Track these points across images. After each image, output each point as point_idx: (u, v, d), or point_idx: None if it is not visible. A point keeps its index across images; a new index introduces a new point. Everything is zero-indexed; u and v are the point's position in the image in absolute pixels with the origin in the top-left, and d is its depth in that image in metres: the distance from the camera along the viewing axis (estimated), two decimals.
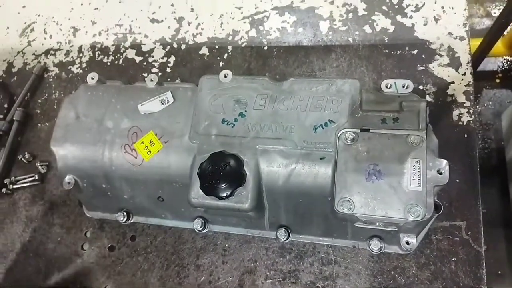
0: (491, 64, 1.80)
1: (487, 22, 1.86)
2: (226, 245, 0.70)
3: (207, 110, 0.64)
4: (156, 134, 0.64)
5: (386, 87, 0.61)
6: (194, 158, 0.61)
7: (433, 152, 0.57)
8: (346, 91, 0.60)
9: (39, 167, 0.83)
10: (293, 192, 0.60)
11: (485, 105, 1.76)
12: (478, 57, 1.15)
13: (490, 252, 1.56)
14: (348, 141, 0.56)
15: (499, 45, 1.63)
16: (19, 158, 0.84)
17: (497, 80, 1.79)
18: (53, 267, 0.75)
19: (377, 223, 0.56)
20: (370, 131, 0.57)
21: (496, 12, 1.87)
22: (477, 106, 1.76)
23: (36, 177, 0.82)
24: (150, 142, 0.64)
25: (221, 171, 0.58)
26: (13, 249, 0.78)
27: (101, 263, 0.74)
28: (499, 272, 1.52)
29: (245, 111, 0.62)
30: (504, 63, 1.80)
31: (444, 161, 0.54)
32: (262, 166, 0.59)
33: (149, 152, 0.64)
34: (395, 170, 0.53)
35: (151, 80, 0.69)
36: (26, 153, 0.84)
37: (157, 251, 0.72)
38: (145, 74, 0.85)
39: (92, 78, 0.72)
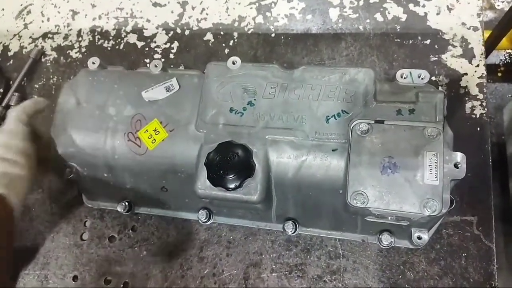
0: (493, 57, 1.78)
1: (491, 15, 1.84)
2: (231, 237, 0.68)
3: (215, 98, 0.61)
4: (161, 122, 0.62)
5: (401, 77, 0.59)
6: (201, 148, 0.59)
7: (448, 145, 0.56)
8: (360, 81, 0.58)
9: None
10: (303, 185, 0.58)
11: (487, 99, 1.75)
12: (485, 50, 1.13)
13: None
14: (362, 133, 0.54)
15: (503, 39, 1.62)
16: None
17: (499, 74, 1.77)
18: (51, 257, 0.73)
19: (389, 217, 0.55)
20: (385, 122, 0.55)
21: (500, 4, 1.85)
22: None
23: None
24: (155, 130, 0.62)
25: (230, 162, 0.56)
26: (14, 239, 0.76)
27: (101, 254, 0.72)
28: (496, 266, 1.53)
29: (254, 99, 0.60)
30: (507, 57, 1.79)
31: (461, 154, 0.52)
32: (271, 157, 0.57)
33: (153, 141, 0.61)
34: (411, 163, 0.51)
35: (156, 66, 0.66)
36: None
37: (159, 242, 0.70)
38: (147, 60, 0.82)
39: (93, 63, 0.69)
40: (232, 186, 0.55)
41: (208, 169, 0.56)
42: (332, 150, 0.56)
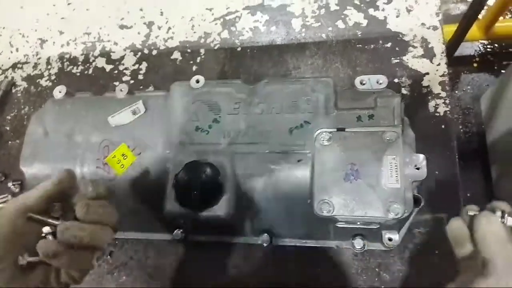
0: (467, 49, 1.81)
1: (462, 7, 1.87)
2: (210, 253, 0.69)
3: (180, 118, 0.62)
4: (128, 146, 0.62)
5: (361, 83, 0.60)
6: (169, 169, 0.59)
7: (410, 147, 0.57)
8: (320, 91, 0.59)
9: (12, 186, 0.80)
10: (273, 197, 0.58)
11: (464, 90, 1.78)
12: (454, 43, 1.15)
13: None
14: (324, 142, 0.55)
15: (474, 30, 1.64)
16: None
17: (475, 65, 1.80)
18: None
19: (358, 223, 0.56)
20: (346, 129, 0.56)
21: None
22: (456, 92, 1.77)
23: (10, 197, 0.79)
24: (123, 155, 0.62)
25: (197, 181, 0.56)
26: None
27: None
28: None
29: (219, 116, 0.61)
30: (481, 47, 1.82)
31: (421, 156, 0.53)
32: (239, 172, 0.58)
33: (122, 166, 0.61)
34: (372, 169, 0.52)
35: (121, 90, 0.67)
36: None
37: (138, 266, 0.70)
38: (117, 83, 0.82)
39: (60, 92, 0.70)
40: (201, 205, 0.56)
41: (176, 190, 0.57)
42: (298, 161, 0.57)
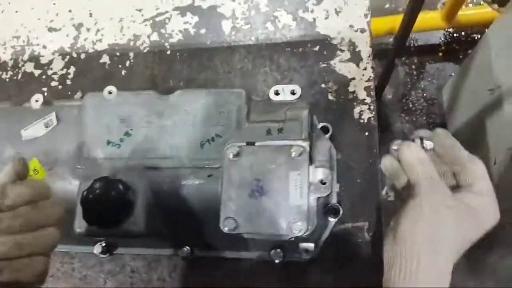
0: (432, 37, 1.80)
1: None
2: (134, 266, 0.68)
3: (92, 131, 0.60)
4: (40, 161, 0.60)
5: (275, 93, 0.59)
6: (80, 185, 0.58)
7: (322, 158, 0.56)
8: (232, 102, 0.58)
9: None
10: (187, 211, 0.58)
11: (429, 80, 1.77)
12: (402, 33, 1.13)
13: None
14: (234, 156, 0.54)
15: (437, 19, 1.63)
16: None
17: (440, 54, 1.79)
18: None
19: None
20: (256, 144, 0.54)
21: None
22: (421, 82, 1.77)
23: None
24: (34, 170, 0.60)
25: (105, 199, 0.55)
26: None
27: None
28: None
29: (131, 129, 0.59)
30: (447, 36, 1.81)
31: (327, 171, 0.53)
32: (151, 188, 0.57)
33: None
34: (277, 185, 0.51)
35: (36, 101, 0.65)
36: None
37: (65, 277, 0.70)
38: (45, 89, 0.79)
39: None
40: (110, 223, 0.54)
41: (83, 208, 0.55)
42: (208, 176, 0.56)
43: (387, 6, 1.90)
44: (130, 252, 0.67)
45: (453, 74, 1.74)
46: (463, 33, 1.82)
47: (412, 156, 0.43)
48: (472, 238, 0.42)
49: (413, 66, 1.82)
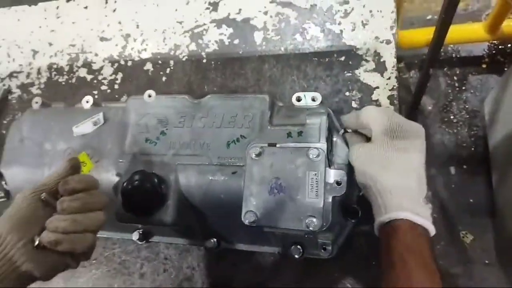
0: (476, 49, 1.75)
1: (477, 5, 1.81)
2: (167, 254, 0.74)
3: (133, 130, 0.67)
4: (88, 154, 0.68)
5: (297, 100, 0.63)
6: (121, 177, 0.65)
7: (341, 162, 0.59)
8: (257, 107, 0.62)
9: (4, 184, 0.88)
10: (213, 206, 0.63)
11: (472, 91, 1.72)
12: (434, 44, 1.12)
13: (477, 242, 1.54)
14: (255, 156, 0.59)
15: (480, 30, 1.59)
16: None
17: (484, 66, 1.74)
18: None
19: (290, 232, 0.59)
20: (277, 145, 0.59)
21: None
22: (463, 93, 1.72)
23: (2, 194, 0.88)
24: (83, 162, 0.68)
25: (141, 190, 0.61)
26: None
27: None
28: (486, 261, 1.51)
29: (166, 129, 0.66)
30: (491, 47, 1.75)
31: (342, 173, 0.56)
32: (181, 182, 0.63)
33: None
34: (295, 183, 0.55)
35: (87, 102, 0.73)
36: None
37: (106, 261, 0.77)
38: (95, 92, 0.89)
39: (36, 102, 0.77)
40: (143, 212, 0.61)
41: (122, 197, 0.62)
42: (232, 173, 0.61)
43: (429, 17, 1.88)
44: (163, 241, 0.73)
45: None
46: (509, 45, 1.76)
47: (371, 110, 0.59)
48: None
49: (455, 78, 1.77)
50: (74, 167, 0.54)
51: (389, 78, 0.72)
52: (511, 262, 1.40)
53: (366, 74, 0.73)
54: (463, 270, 1.55)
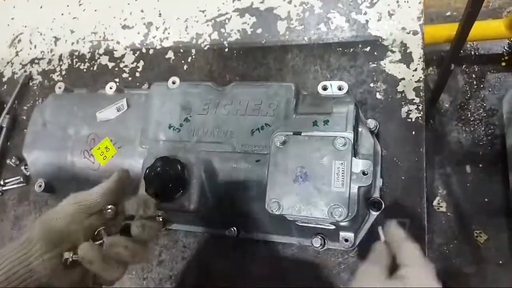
0: (496, 47, 1.72)
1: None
2: (186, 242, 0.74)
3: (156, 116, 0.67)
4: (111, 140, 0.69)
5: (323, 89, 0.62)
6: (144, 163, 0.65)
7: (366, 152, 0.59)
8: (282, 95, 0.62)
9: (24, 170, 0.89)
10: (236, 194, 0.63)
11: (490, 90, 1.70)
12: (458, 39, 1.11)
13: (491, 241, 1.52)
14: (280, 144, 0.58)
15: (501, 27, 1.57)
16: (8, 162, 0.92)
17: (503, 64, 1.71)
18: None
19: (313, 222, 0.59)
20: (302, 134, 0.58)
21: None
22: (481, 91, 1.70)
23: (22, 179, 0.89)
24: (106, 147, 0.68)
25: (164, 176, 0.61)
26: (2, 245, 0.86)
27: None
28: (500, 262, 1.49)
29: (190, 116, 0.65)
30: (511, 45, 1.72)
31: (369, 163, 0.55)
32: (205, 169, 0.63)
33: (104, 157, 0.68)
34: (320, 172, 0.55)
35: (110, 88, 0.73)
36: (13, 157, 0.91)
37: None
38: (117, 79, 0.89)
39: (60, 88, 0.77)
40: (165, 197, 0.61)
41: (146, 182, 0.62)
42: (256, 161, 0.60)
43: (448, 13, 1.85)
44: (183, 229, 0.73)
45: None
46: None
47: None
48: None
49: (473, 75, 1.75)
50: (123, 180, 0.51)
51: (415, 70, 0.71)
52: None
53: (391, 65, 0.72)
54: (476, 269, 1.54)
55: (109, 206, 0.48)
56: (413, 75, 0.70)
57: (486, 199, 1.58)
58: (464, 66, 1.75)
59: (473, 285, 1.51)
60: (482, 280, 1.49)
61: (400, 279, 0.43)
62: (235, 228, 0.68)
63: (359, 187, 0.55)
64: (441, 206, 1.61)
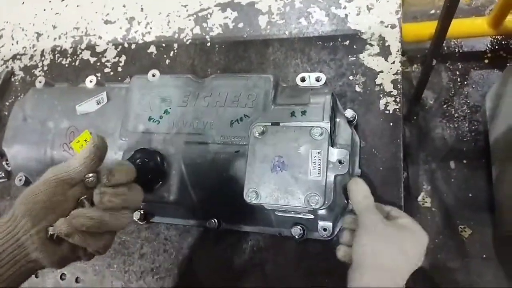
0: (479, 44, 1.75)
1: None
2: (167, 235, 0.74)
3: (136, 109, 0.67)
4: (91, 133, 0.69)
5: (301, 80, 0.63)
6: (124, 155, 0.65)
7: (344, 142, 0.59)
8: (260, 86, 0.62)
9: (5, 165, 0.89)
10: (215, 184, 0.63)
11: (473, 86, 1.72)
12: (437, 36, 1.12)
13: (475, 235, 1.55)
14: (259, 134, 0.59)
15: (483, 25, 1.59)
16: None
17: (486, 61, 1.74)
18: None
19: (291, 212, 0.59)
20: (280, 124, 0.59)
21: None
22: (465, 88, 1.72)
23: (3, 175, 0.88)
24: (85, 140, 0.68)
25: (143, 167, 0.61)
26: None
27: None
28: (484, 256, 1.51)
29: (170, 108, 0.66)
30: (494, 42, 1.75)
31: (345, 151, 0.56)
32: (184, 160, 0.63)
33: None
34: (297, 161, 0.55)
35: (90, 82, 0.73)
36: None
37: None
38: (99, 74, 0.89)
39: (40, 82, 0.77)
40: (147, 189, 0.61)
41: None
42: (235, 152, 0.61)
43: (432, 12, 1.88)
44: (164, 221, 0.74)
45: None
46: (511, 40, 1.76)
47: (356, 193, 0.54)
48: (414, 256, 0.49)
49: (457, 72, 1.78)
50: (99, 146, 0.48)
51: (393, 63, 0.72)
52: (509, 257, 1.41)
53: (370, 58, 0.73)
54: (460, 264, 1.56)
55: (90, 175, 0.46)
56: (391, 68, 0.72)
57: (470, 195, 1.60)
58: (448, 63, 1.77)
59: (458, 280, 1.53)
60: (466, 275, 1.51)
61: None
62: (215, 220, 0.68)
63: (335, 176, 0.55)
64: (426, 202, 1.63)
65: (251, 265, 0.69)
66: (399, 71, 0.71)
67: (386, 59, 0.72)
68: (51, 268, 0.46)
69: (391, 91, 0.70)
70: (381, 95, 0.70)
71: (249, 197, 0.56)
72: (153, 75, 0.68)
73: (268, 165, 0.57)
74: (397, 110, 0.69)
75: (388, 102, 0.70)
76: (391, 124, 0.69)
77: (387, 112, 0.69)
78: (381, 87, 0.71)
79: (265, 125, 0.59)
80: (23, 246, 0.43)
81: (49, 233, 0.44)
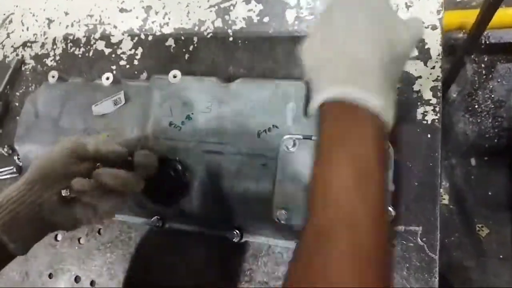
0: (508, 36, 1.66)
1: None
2: (186, 242, 0.71)
3: (156, 112, 0.63)
4: (107, 136, 0.65)
5: None
6: None
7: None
8: (291, 95, 0.58)
9: (17, 160, 0.85)
10: (239, 197, 0.59)
11: (499, 80, 1.65)
12: (476, 30, 1.05)
13: (493, 235, 1.51)
14: (289, 148, 0.54)
15: None
16: (0, 151, 0.87)
17: None
18: (29, 255, 0.79)
19: None
20: (312, 138, 0.54)
21: None
22: (490, 82, 1.65)
23: (14, 170, 0.85)
24: None
25: (163, 178, 0.58)
26: None
27: (72, 254, 0.77)
28: (501, 256, 1.48)
29: (192, 113, 0.61)
30: None
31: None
32: (207, 170, 0.59)
33: None
34: None
35: (107, 79, 0.69)
36: (6, 146, 0.87)
37: (121, 245, 0.74)
38: (114, 67, 0.84)
39: (53, 77, 0.73)
40: (164, 200, 0.57)
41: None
42: (262, 165, 0.57)
43: (458, 0, 1.78)
44: (181, 228, 0.70)
45: None
46: None
47: None
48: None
49: (483, 65, 1.70)
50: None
51: (433, 68, 0.66)
52: None
53: (408, 62, 0.67)
54: (476, 263, 1.53)
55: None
56: (430, 73, 0.66)
57: (489, 193, 1.55)
58: (473, 55, 1.69)
59: (473, 279, 1.51)
60: (482, 274, 1.48)
61: None
62: (237, 232, 0.65)
63: None
64: (444, 199, 1.59)
65: (273, 278, 0.66)
66: (439, 78, 0.66)
67: (425, 64, 0.66)
68: (64, 230, 0.52)
69: (430, 99, 0.65)
70: (418, 103, 0.65)
71: (278, 217, 0.53)
72: (174, 76, 0.63)
73: (299, 183, 0.53)
74: (436, 120, 0.64)
75: (426, 112, 0.65)
76: (428, 136, 0.64)
77: (424, 122, 0.64)
78: (419, 94, 0.66)
79: (296, 138, 0.54)
80: (38, 208, 0.47)
81: (63, 194, 0.49)
